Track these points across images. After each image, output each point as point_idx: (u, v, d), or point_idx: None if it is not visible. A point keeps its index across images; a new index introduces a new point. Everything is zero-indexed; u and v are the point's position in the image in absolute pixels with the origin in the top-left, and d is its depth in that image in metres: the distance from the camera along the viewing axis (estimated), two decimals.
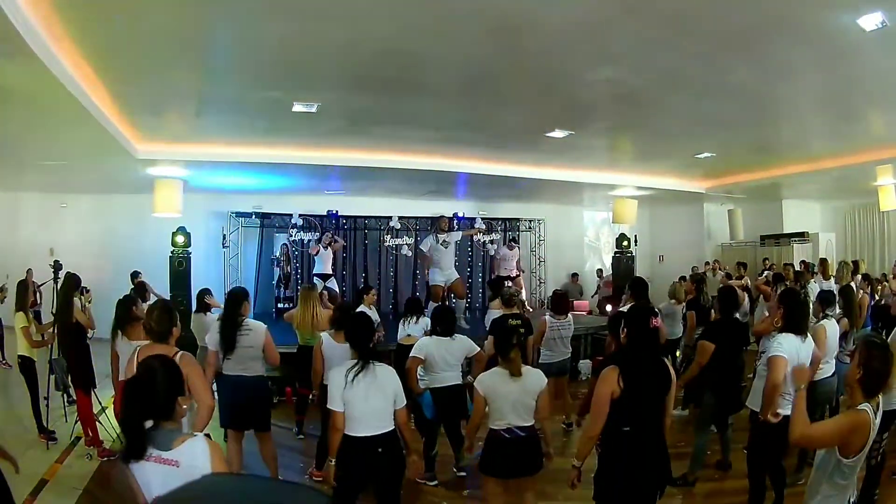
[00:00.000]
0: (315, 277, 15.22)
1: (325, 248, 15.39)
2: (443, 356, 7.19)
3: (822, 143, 12.78)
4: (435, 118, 10.55)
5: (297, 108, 9.43)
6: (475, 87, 8.82)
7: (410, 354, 7.27)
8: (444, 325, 7.37)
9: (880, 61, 7.73)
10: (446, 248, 14.36)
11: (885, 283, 14.23)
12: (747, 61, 7.81)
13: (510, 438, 5.36)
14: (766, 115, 10.56)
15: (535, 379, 5.52)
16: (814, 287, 11.85)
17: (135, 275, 12.51)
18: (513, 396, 5.35)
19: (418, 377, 7.36)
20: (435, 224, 15.59)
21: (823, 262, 14.56)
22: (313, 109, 9.52)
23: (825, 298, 7.74)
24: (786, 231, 20.90)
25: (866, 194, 17.49)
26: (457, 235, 15.20)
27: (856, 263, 13.80)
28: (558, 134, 11.53)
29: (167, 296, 13.21)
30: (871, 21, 6.46)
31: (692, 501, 7.02)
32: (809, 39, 7.05)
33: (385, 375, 5.21)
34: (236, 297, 7.26)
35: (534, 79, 8.54)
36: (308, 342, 8.65)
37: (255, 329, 7.04)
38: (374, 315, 10.89)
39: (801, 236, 20.36)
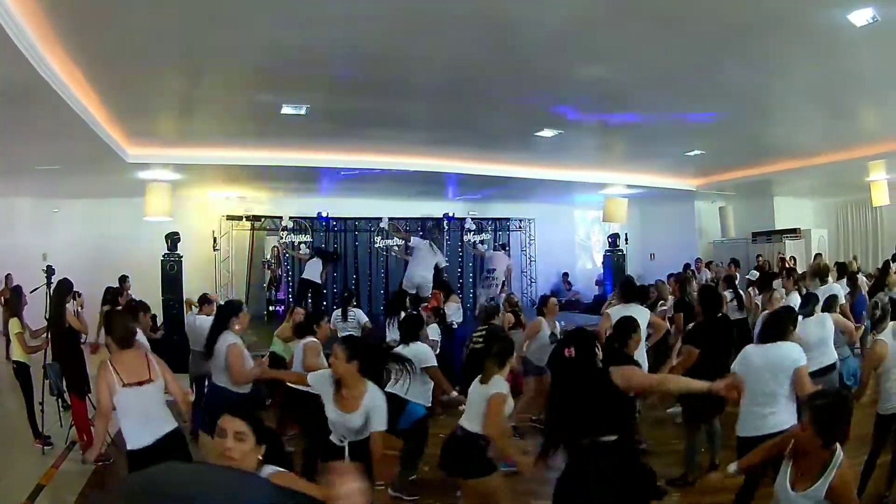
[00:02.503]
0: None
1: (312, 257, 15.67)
2: None
3: (813, 139, 12.83)
4: (423, 119, 10.61)
5: (287, 110, 9.45)
6: (464, 87, 8.84)
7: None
8: (402, 332, 7.70)
9: (872, 57, 7.78)
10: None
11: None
12: (737, 58, 7.83)
13: (451, 434, 5.69)
14: (756, 112, 10.58)
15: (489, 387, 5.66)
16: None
17: (123, 279, 12.55)
18: (471, 399, 5.63)
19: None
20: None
21: (818, 258, 14.55)
22: (302, 111, 9.54)
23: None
24: (777, 227, 20.93)
25: (859, 190, 17.46)
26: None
27: (842, 265, 13.73)
28: (547, 133, 11.57)
29: (159, 300, 13.31)
30: (861, 17, 6.50)
31: (690, 499, 7.04)
32: (800, 36, 7.11)
33: None
34: (222, 313, 7.37)
35: (523, 79, 8.55)
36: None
37: (219, 343, 7.03)
38: (362, 317, 11.19)
39: (793, 233, 20.43)
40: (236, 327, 7.13)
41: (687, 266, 16.91)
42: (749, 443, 5.50)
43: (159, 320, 13.40)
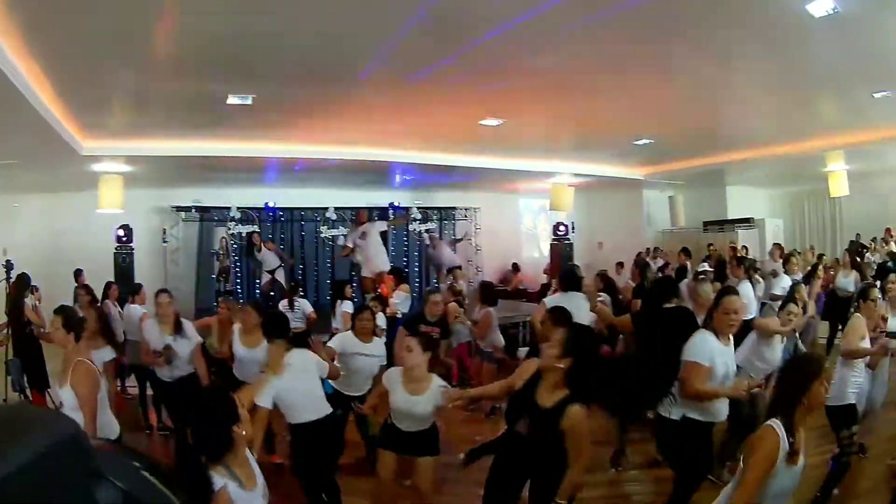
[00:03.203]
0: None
1: (258, 251, 15.91)
2: None
3: (769, 129, 12.92)
4: (368, 108, 10.59)
5: (232, 100, 9.45)
6: (408, 75, 8.82)
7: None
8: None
9: (831, 47, 7.81)
10: (365, 239, 14.83)
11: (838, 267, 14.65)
12: (689, 47, 7.84)
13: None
14: (708, 101, 10.66)
15: None
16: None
17: (78, 273, 12.61)
18: None
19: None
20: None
21: (776, 247, 14.75)
22: (248, 102, 9.55)
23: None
24: (730, 217, 21.18)
25: (816, 180, 17.73)
26: (381, 225, 15.61)
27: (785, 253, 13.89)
28: (491, 122, 11.60)
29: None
30: (821, 7, 6.50)
31: (644, 488, 7.25)
32: (755, 25, 7.05)
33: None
34: None
35: (467, 67, 8.55)
36: None
37: None
38: (307, 307, 11.43)
39: (747, 222, 20.69)
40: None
41: (640, 254, 17.17)
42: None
43: None
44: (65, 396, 5.14)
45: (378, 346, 7.51)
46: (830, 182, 16.37)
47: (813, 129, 12.84)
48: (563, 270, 9.68)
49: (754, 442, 3.81)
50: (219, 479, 3.37)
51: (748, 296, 9.74)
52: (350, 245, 15.61)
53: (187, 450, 3.44)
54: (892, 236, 17.49)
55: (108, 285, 11.52)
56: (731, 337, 5.69)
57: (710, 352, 5.38)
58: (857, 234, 18.15)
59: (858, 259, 14.50)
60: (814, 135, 13.34)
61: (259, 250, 16.01)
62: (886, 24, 7.19)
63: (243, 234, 17.23)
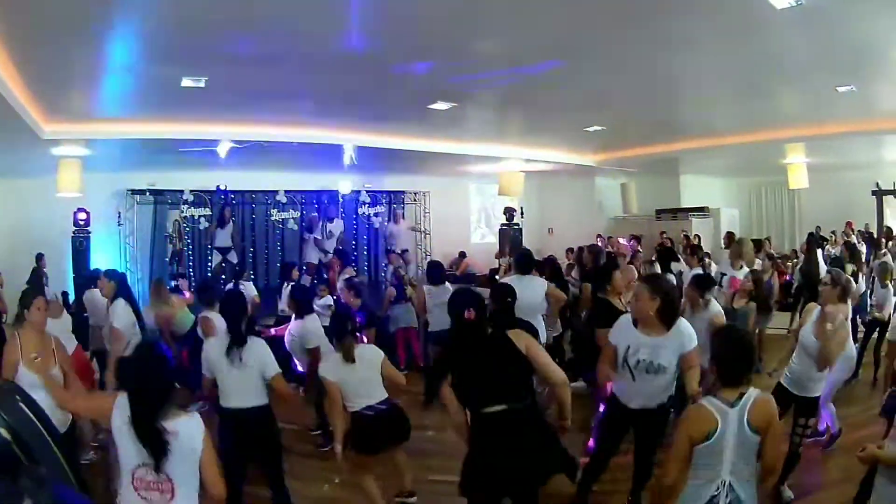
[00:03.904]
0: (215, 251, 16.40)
1: (222, 227, 16.03)
2: None
3: (726, 119, 13.10)
4: (318, 92, 10.72)
5: (186, 82, 9.50)
6: (357, 59, 8.90)
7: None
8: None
9: (793, 39, 7.94)
10: (330, 238, 15.16)
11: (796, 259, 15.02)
12: (642, 34, 7.86)
13: (373, 415, 5.88)
14: (663, 89, 10.79)
15: (371, 355, 6.09)
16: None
17: (39, 257, 12.66)
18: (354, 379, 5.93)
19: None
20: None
21: (730, 235, 15.02)
22: (202, 84, 9.60)
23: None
24: (684, 206, 21.45)
25: (775, 172, 18.10)
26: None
27: (757, 242, 14.23)
28: (441, 106, 11.73)
29: (69, 276, 13.48)
30: None
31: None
32: (714, 14, 7.17)
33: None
34: None
35: (416, 51, 8.71)
36: None
37: None
38: (251, 291, 11.65)
39: (701, 211, 20.97)
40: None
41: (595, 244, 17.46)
42: None
43: (71, 297, 13.59)
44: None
45: (299, 325, 7.88)
46: (790, 174, 16.84)
47: (773, 120, 13.08)
48: (518, 254, 9.61)
49: (773, 413, 3.91)
50: (198, 428, 3.62)
51: None
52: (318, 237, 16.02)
53: (141, 407, 3.58)
54: (852, 230, 17.99)
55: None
56: (673, 328, 5.40)
57: (617, 334, 5.62)
58: (818, 227, 18.50)
59: (819, 249, 14.87)
60: (774, 127, 13.58)
61: (228, 222, 16.21)
62: (852, 17, 7.32)
63: (196, 217, 17.31)
